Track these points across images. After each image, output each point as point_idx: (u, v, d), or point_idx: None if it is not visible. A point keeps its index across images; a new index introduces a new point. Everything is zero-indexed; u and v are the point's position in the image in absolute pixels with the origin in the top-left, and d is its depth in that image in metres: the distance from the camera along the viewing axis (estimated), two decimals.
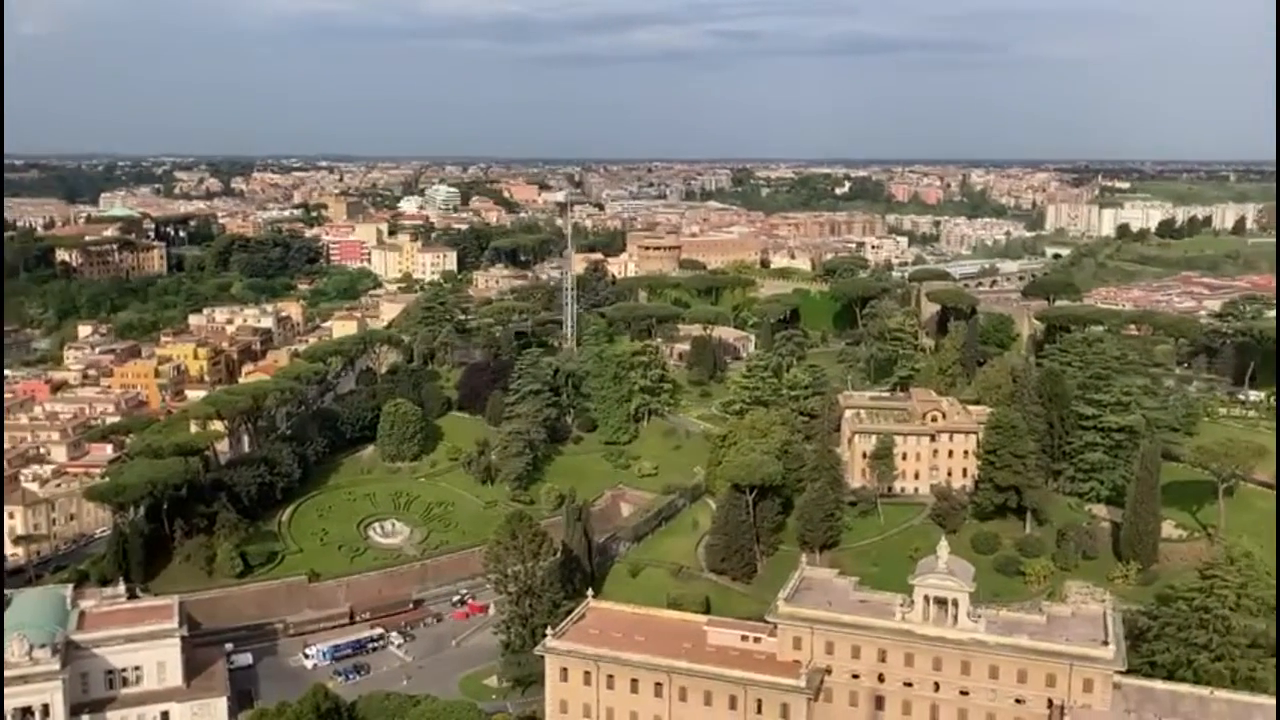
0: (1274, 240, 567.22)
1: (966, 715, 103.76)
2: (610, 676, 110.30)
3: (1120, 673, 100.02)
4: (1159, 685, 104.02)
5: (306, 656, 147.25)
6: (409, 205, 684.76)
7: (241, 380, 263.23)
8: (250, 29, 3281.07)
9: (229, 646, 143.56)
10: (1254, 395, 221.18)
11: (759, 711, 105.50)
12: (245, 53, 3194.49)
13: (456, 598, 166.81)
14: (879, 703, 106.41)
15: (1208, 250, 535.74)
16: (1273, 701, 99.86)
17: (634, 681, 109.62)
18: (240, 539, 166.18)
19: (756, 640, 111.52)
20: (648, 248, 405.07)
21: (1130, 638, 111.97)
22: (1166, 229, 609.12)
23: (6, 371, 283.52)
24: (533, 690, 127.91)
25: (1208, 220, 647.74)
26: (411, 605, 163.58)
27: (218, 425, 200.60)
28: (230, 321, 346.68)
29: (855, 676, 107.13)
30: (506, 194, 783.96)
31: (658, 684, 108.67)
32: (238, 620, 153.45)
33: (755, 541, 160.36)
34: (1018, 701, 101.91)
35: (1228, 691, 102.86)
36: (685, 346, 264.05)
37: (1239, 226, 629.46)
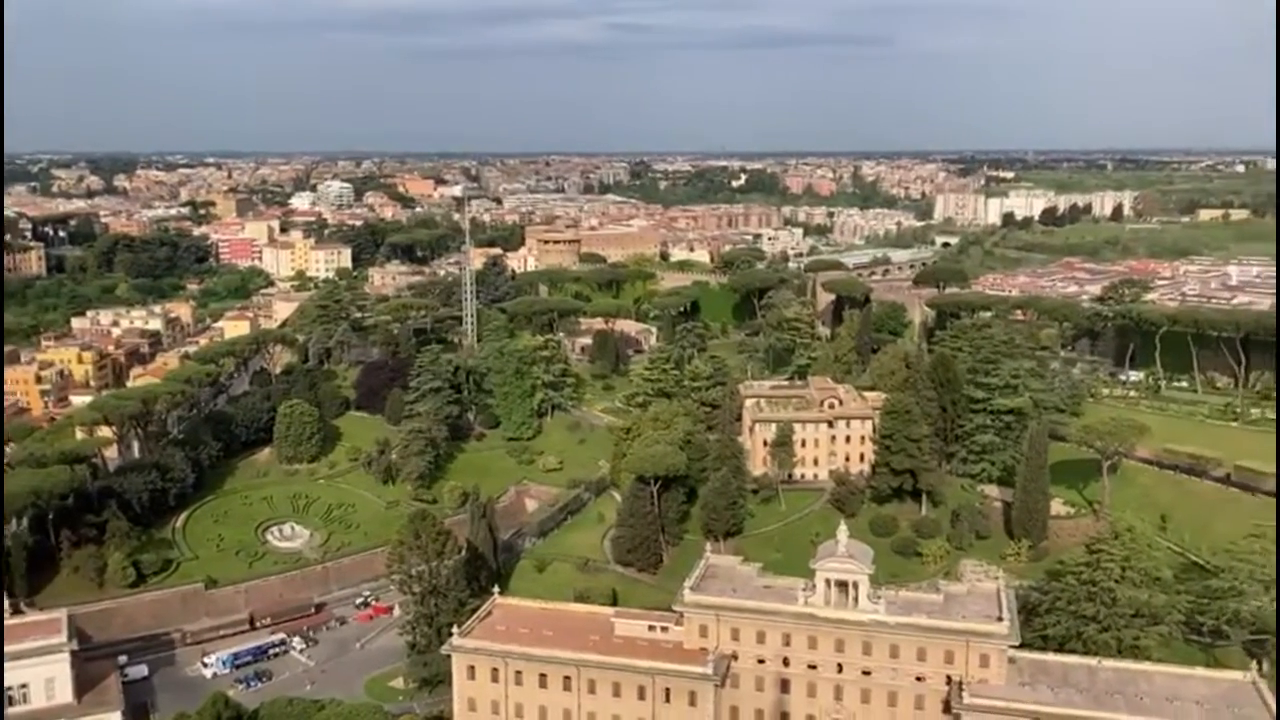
0: (1149, 226, 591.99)
1: (869, 694, 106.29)
2: (518, 672, 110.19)
3: (1014, 647, 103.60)
4: (1051, 658, 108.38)
5: (205, 665, 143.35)
6: (301, 201, 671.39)
7: (130, 384, 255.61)
8: (127, 22, 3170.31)
9: (122, 659, 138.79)
10: (1134, 375, 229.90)
11: (667, 700, 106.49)
12: (122, 46, 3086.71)
13: (360, 600, 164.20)
14: (784, 686, 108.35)
15: (1088, 237, 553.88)
16: (1155, 668, 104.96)
17: (542, 676, 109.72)
18: (132, 548, 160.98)
19: (663, 630, 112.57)
20: (547, 242, 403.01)
21: (1023, 613, 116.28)
22: (1049, 216, 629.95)
23: None
24: (440, 690, 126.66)
25: (1088, 208, 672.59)
26: (313, 609, 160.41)
27: (105, 431, 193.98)
28: (116, 324, 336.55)
29: (761, 661, 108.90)
30: (402, 189, 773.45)
31: (566, 677, 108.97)
32: (132, 631, 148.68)
33: (660, 532, 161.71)
34: (918, 679, 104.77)
35: (1114, 660, 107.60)
36: (587, 340, 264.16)
37: (1117, 213, 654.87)
